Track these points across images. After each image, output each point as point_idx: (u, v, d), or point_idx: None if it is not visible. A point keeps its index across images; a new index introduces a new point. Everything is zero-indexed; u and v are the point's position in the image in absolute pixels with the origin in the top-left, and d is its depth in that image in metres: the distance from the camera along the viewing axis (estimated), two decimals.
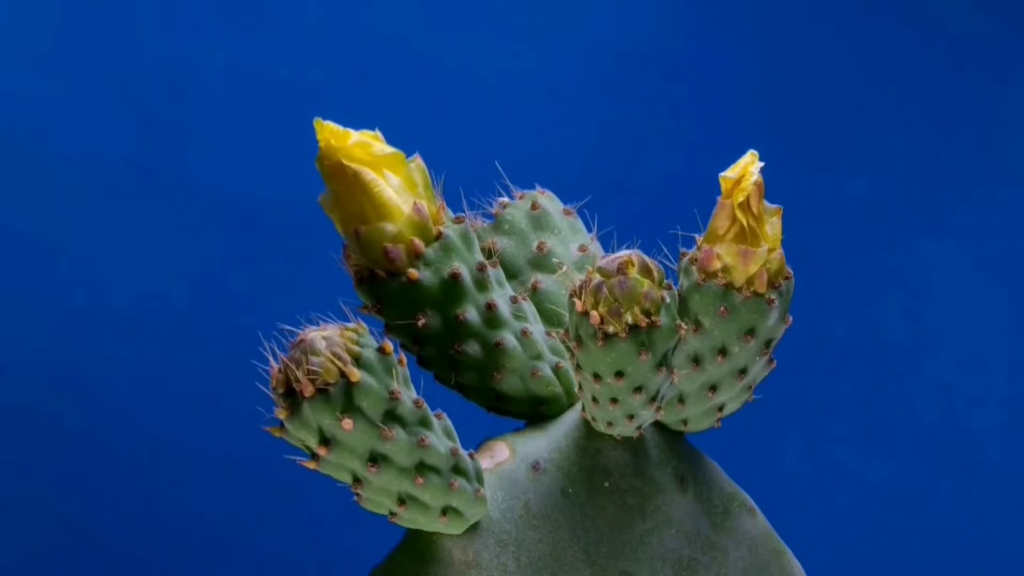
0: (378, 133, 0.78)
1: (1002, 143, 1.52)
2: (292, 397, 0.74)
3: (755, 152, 0.77)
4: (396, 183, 0.79)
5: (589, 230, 0.87)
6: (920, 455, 1.51)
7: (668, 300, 0.75)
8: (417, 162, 0.79)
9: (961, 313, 1.51)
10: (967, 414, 1.51)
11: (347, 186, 0.78)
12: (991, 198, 1.52)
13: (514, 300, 0.83)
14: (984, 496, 1.51)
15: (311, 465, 0.76)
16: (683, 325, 0.77)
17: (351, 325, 0.76)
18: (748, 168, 0.77)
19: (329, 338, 0.74)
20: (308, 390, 0.74)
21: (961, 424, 1.51)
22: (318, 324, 0.75)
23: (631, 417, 0.78)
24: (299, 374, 0.74)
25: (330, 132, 0.77)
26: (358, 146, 0.78)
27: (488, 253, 0.85)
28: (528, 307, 0.83)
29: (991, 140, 1.52)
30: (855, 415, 1.51)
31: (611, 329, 0.74)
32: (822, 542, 1.44)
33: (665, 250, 0.78)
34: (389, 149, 0.78)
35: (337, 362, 0.74)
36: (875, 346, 1.51)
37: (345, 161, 0.77)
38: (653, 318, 0.75)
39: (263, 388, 0.75)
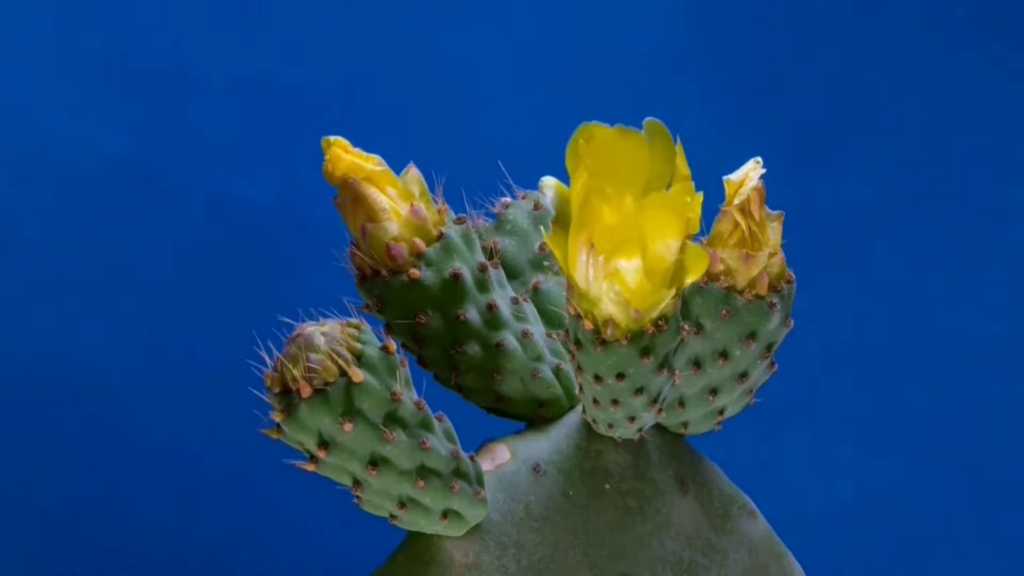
0: (376, 157, 0.81)
1: (1003, 143, 1.52)
2: (288, 397, 0.73)
3: (759, 159, 0.77)
4: (394, 194, 0.80)
5: None
6: (920, 455, 1.50)
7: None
8: (412, 172, 0.81)
9: (961, 313, 1.51)
10: (967, 414, 1.51)
11: (351, 195, 0.80)
12: (991, 198, 1.51)
13: (515, 301, 0.83)
14: (984, 496, 1.50)
15: (310, 467, 0.75)
16: (685, 327, 0.76)
17: (352, 321, 0.75)
18: (750, 174, 0.77)
19: (328, 334, 0.73)
20: (306, 391, 0.72)
21: (961, 424, 1.51)
22: (316, 319, 0.75)
23: (632, 419, 0.78)
24: (296, 373, 0.73)
25: (332, 154, 0.80)
26: (352, 167, 0.80)
27: (490, 253, 0.85)
28: (529, 308, 0.83)
29: (992, 140, 1.52)
30: (855, 415, 1.51)
31: (609, 332, 0.74)
32: (822, 544, 1.44)
33: None
34: (380, 168, 0.80)
35: (339, 360, 0.73)
36: (875, 346, 1.51)
37: (341, 175, 0.80)
38: (660, 323, 0.74)
39: (257, 392, 0.74)
